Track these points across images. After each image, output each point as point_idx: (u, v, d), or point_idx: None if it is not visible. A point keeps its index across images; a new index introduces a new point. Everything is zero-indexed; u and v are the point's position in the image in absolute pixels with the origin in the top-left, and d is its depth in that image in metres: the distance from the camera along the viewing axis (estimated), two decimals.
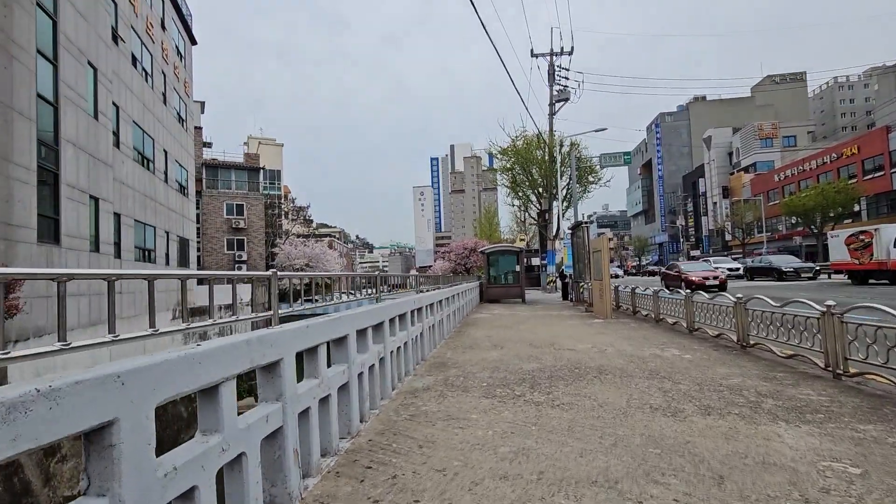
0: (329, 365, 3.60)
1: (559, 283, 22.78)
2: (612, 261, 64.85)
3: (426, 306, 7.20)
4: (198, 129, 35.79)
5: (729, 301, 7.22)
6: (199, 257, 33.84)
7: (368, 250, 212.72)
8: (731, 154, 66.95)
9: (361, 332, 4.16)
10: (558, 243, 25.41)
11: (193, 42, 26.26)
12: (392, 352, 5.01)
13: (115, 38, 15.56)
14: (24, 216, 9.39)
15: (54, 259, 10.37)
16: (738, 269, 29.79)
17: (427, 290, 9.47)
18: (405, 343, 5.62)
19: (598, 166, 26.06)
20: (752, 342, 6.65)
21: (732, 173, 63.82)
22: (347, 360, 3.62)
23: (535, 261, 31.97)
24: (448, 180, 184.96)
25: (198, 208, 34.22)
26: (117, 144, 15.41)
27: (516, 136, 28.10)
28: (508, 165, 29.23)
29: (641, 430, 3.49)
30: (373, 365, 4.26)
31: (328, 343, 3.46)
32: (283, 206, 55.31)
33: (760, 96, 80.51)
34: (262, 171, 37.91)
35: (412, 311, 6.06)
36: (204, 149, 37.15)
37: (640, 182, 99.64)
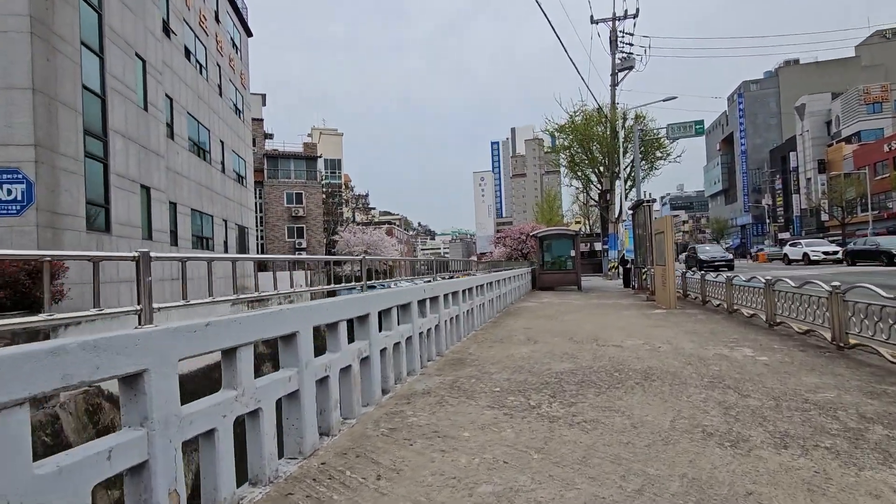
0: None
1: (622, 269, 21.06)
2: (686, 245, 60.13)
3: (446, 295, 6.44)
4: (258, 120, 37.14)
5: (822, 290, 5.77)
6: (261, 245, 35.37)
7: (430, 237, 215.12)
8: (828, 123, 59.18)
9: (331, 327, 3.48)
10: (620, 226, 23.48)
11: (249, 34, 26.92)
12: (386, 349, 4.31)
13: (167, 30, 16.00)
14: (71, 205, 9.74)
15: (104, 246, 10.78)
16: (835, 252, 26.06)
17: (447, 278, 8.71)
18: (408, 338, 4.89)
19: (665, 139, 23.63)
20: (852, 342, 5.24)
21: (830, 145, 56.39)
22: (297, 363, 2.95)
23: (598, 246, 30.04)
24: (509, 164, 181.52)
25: (259, 198, 35.70)
26: (171, 135, 15.95)
27: (574, 112, 26.20)
28: (566, 143, 27.42)
29: (684, 469, 2.52)
30: (348, 366, 3.58)
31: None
32: (343, 195, 56.73)
33: (867, 55, 70.31)
34: (319, 159, 38.73)
35: (419, 301, 5.32)
36: (265, 140, 38.58)
37: (720, 158, 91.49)
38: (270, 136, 41.48)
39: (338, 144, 63.57)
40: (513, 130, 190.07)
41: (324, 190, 45.25)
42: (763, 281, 7.70)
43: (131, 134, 12.29)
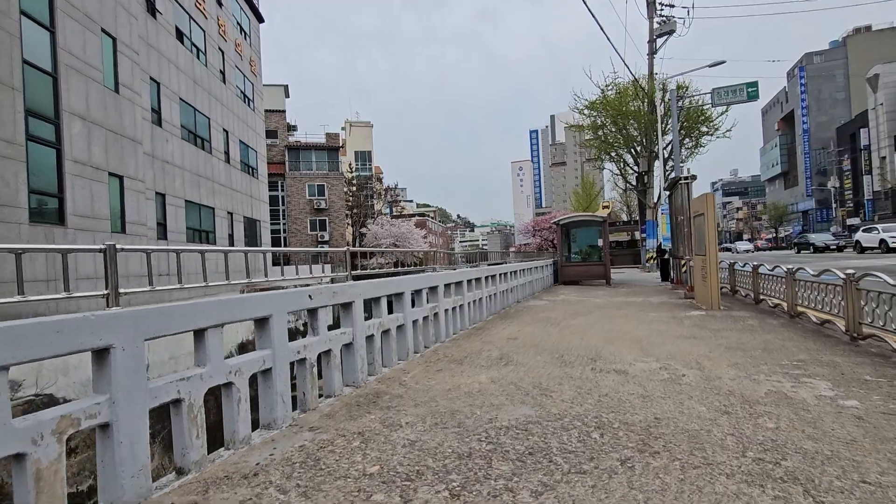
0: None
1: (659, 261, 18.54)
2: (740, 234, 55.26)
3: (390, 298, 4.76)
4: (280, 112, 36.49)
5: None
6: (284, 238, 34.81)
7: (470, 229, 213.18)
8: None
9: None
10: (658, 212, 20.83)
11: (260, 20, 25.94)
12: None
13: (153, 10, 14.99)
14: (5, 194, 8.70)
15: (56, 239, 9.76)
16: None
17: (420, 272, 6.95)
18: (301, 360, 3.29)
19: (712, 110, 20.66)
20: None
21: None
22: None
23: (637, 235, 27.28)
24: (548, 153, 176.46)
25: (282, 190, 35.10)
26: (158, 122, 14.98)
27: (606, 85, 23.54)
28: (598, 122, 24.85)
29: None
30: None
31: None
32: (373, 187, 55.84)
33: None
34: (340, 151, 37.68)
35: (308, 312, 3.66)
36: (289, 133, 37.94)
37: (778, 139, 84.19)
38: (294, 129, 40.86)
39: (368, 136, 62.72)
40: (552, 118, 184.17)
41: (353, 182, 44.39)
42: (841, 275, 5.48)
43: (95, 117, 11.23)
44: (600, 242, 16.23)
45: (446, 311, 6.55)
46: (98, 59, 11.48)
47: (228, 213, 19.97)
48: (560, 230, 16.83)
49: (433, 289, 6.13)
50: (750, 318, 7.32)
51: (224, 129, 20.18)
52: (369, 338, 4.51)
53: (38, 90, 9.70)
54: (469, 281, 7.61)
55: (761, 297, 8.67)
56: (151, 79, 14.68)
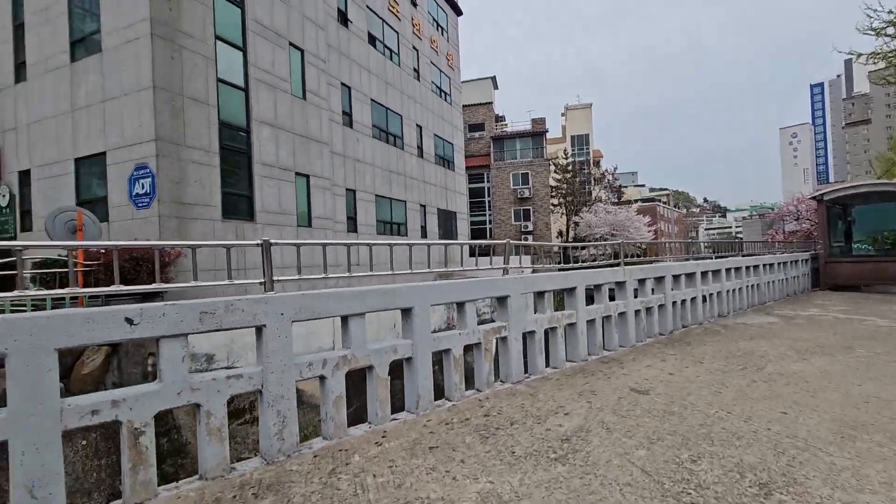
0: None
1: None
2: None
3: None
4: (486, 104, 36.82)
5: None
6: (489, 229, 35.12)
7: (721, 214, 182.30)
8: None
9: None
10: None
11: (458, 13, 26.21)
12: None
13: (344, 20, 16.24)
14: (202, 195, 10.22)
15: (245, 233, 11.16)
16: None
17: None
18: None
19: None
20: None
21: None
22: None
23: None
24: (838, 111, 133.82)
25: (488, 181, 35.43)
26: (350, 123, 16.21)
27: None
28: None
29: None
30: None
31: None
32: (590, 173, 51.91)
33: None
34: (545, 134, 35.67)
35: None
36: (497, 124, 38.04)
37: None
38: (501, 119, 40.84)
39: (586, 118, 58.67)
40: (847, 64, 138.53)
41: (567, 169, 41.98)
42: None
43: (283, 123, 12.55)
44: None
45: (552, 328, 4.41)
46: (286, 70, 12.78)
47: (421, 205, 20.68)
48: (825, 210, 11.25)
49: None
50: None
51: (417, 125, 20.93)
52: (437, 350, 2.99)
53: (231, 103, 11.20)
54: (611, 286, 5.13)
55: None
56: (342, 84, 15.92)
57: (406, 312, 3.37)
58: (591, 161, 55.50)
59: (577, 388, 3.95)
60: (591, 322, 5.07)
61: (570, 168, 40.80)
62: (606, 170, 49.89)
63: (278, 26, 12.59)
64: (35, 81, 11.42)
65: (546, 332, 4.55)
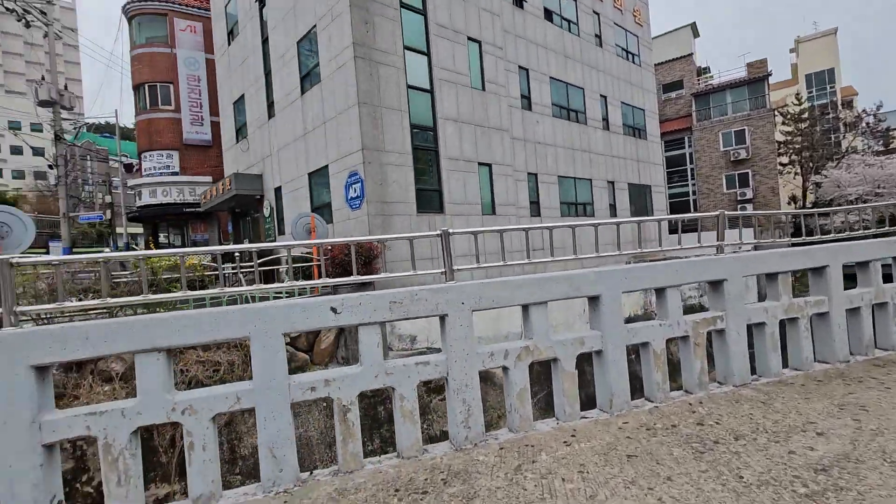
0: None
1: None
2: None
3: None
4: (685, 57, 31.95)
5: None
6: (693, 202, 30.64)
7: None
8: None
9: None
10: None
11: None
12: None
13: (520, 2, 15.99)
14: (399, 193, 11.38)
15: (436, 225, 12.04)
16: None
17: None
18: None
19: None
20: None
21: None
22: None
23: None
24: None
25: (689, 146, 30.89)
26: (528, 106, 15.97)
27: None
28: None
29: None
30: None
31: None
32: (839, 117, 40.65)
33: None
34: (767, 79, 28.97)
35: None
36: (698, 78, 32.64)
37: None
38: (706, 71, 34.82)
39: (827, 50, 45.93)
40: None
41: (801, 117, 33.62)
42: None
43: (464, 117, 13.07)
44: None
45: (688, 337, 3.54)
46: (465, 65, 13.25)
47: (608, 182, 19.21)
48: None
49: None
50: None
51: (601, 96, 19.41)
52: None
53: (419, 106, 12.14)
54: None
55: None
56: (519, 67, 15.75)
57: (594, 300, 3.07)
58: (839, 102, 43.33)
59: (836, 400, 3.01)
60: (852, 311, 3.84)
61: (805, 115, 32.46)
62: (864, 110, 38.16)
63: (456, 23, 13.11)
64: (280, 115, 14.39)
65: (782, 325, 3.62)
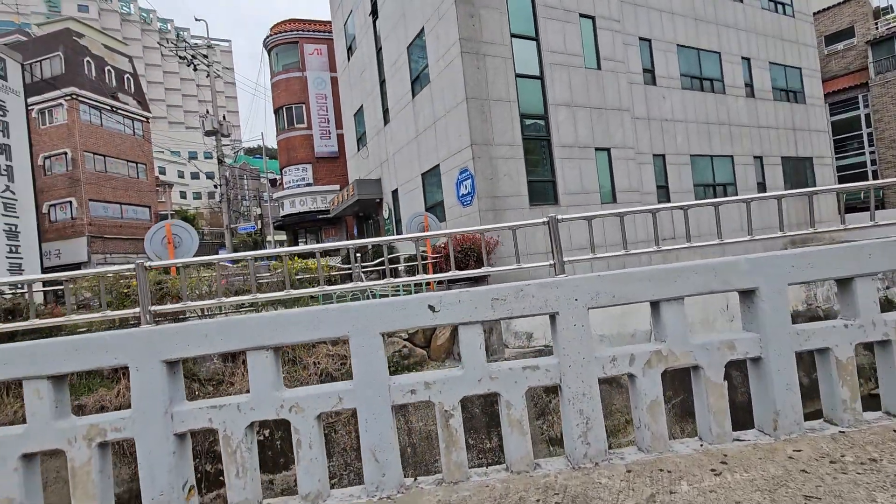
0: None
1: None
2: None
3: None
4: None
5: None
6: (872, 172, 25.04)
7: None
8: None
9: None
10: None
11: None
12: None
13: None
14: (511, 187, 11.06)
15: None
16: None
17: None
18: None
19: None
20: None
21: None
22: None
23: None
24: None
25: (865, 106, 25.30)
26: (652, 80, 14.43)
27: None
28: None
29: None
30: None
31: None
32: None
33: None
34: None
35: None
36: (875, 22, 26.48)
37: None
38: (887, 12, 28.10)
39: None
40: None
41: None
42: None
43: (578, 100, 12.25)
44: None
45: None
46: (577, 45, 12.42)
47: (755, 157, 16.54)
48: None
49: None
50: None
51: (742, 58, 16.78)
52: None
53: (528, 94, 11.67)
54: None
55: None
56: (640, 39, 14.30)
57: (747, 295, 2.49)
58: None
59: None
60: None
61: None
62: None
63: (566, 1, 12.35)
64: (394, 121, 15.04)
65: None
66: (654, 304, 2.45)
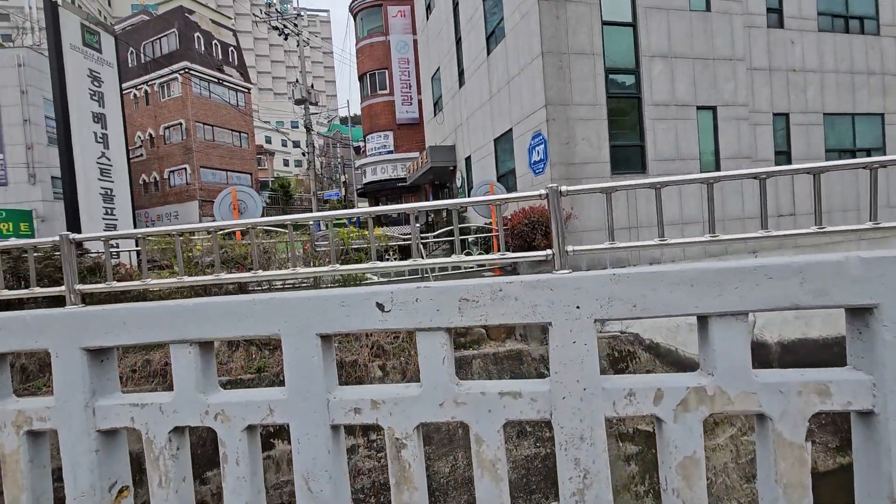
0: None
1: None
2: None
3: None
4: None
5: None
6: None
7: None
8: None
9: None
10: None
11: None
12: None
13: None
14: (589, 153, 9.86)
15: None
16: None
17: None
18: None
19: None
20: None
21: None
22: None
23: None
24: None
25: None
26: (778, 23, 11.91)
27: None
28: None
29: None
30: None
31: None
32: None
33: None
34: None
35: None
36: None
37: None
38: None
39: None
40: None
41: None
42: None
43: (678, 51, 10.46)
44: None
45: None
46: None
47: None
48: None
49: None
50: None
51: None
52: None
53: (617, 46, 10.18)
54: None
55: None
56: None
57: (857, 314, 1.58)
58: None
59: None
60: None
61: None
62: None
63: None
64: (469, 82, 14.21)
65: None
66: (702, 320, 1.67)
